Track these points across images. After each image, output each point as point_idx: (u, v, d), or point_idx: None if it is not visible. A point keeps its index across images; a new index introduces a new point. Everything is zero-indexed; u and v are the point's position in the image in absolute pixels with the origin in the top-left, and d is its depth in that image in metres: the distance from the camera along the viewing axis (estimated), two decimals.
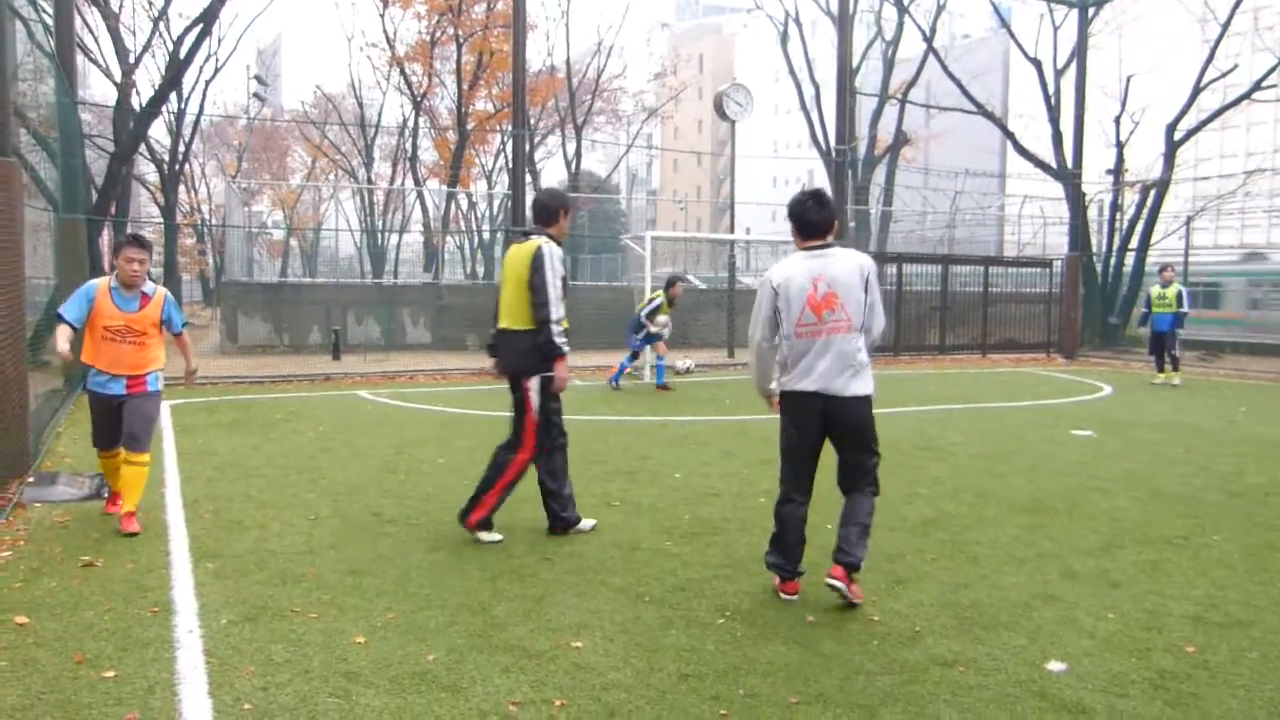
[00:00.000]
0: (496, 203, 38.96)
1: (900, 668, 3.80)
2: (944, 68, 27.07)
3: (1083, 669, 3.82)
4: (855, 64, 26.62)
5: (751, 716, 3.37)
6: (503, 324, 5.60)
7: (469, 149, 32.92)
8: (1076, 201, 23.61)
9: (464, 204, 39.83)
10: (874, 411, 4.61)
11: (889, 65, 32.32)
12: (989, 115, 27.12)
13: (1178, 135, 23.98)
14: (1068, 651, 3.99)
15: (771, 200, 35.06)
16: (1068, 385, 15.82)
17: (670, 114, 44.85)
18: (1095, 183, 25.82)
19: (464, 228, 40.08)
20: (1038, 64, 25.41)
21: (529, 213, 6.83)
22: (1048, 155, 25.19)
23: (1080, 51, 23.15)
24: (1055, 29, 25.67)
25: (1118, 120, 25.59)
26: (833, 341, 4.47)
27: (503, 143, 34.68)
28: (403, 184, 37.08)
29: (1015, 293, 23.13)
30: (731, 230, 23.97)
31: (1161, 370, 16.21)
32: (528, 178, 33.17)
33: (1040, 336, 22.80)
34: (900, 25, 31.76)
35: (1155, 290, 16.38)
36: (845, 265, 4.52)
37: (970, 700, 3.52)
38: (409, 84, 32.36)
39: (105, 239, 19.57)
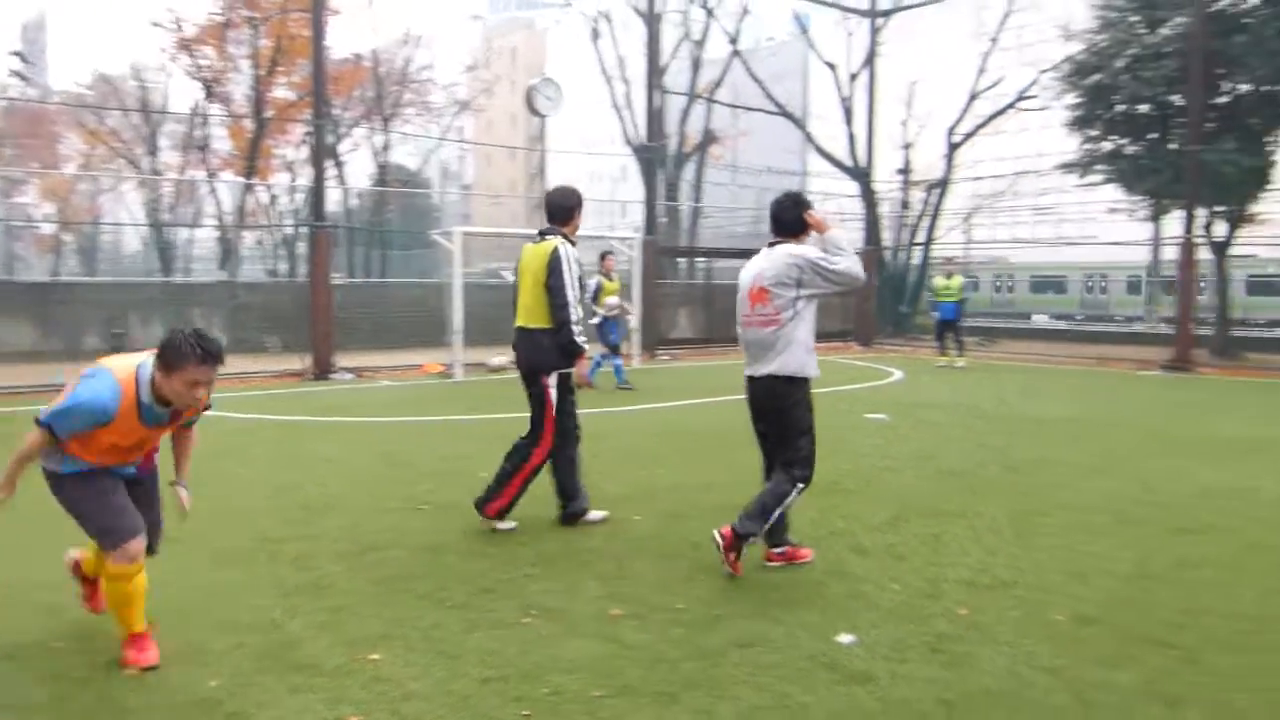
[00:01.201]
0: (300, 196, 37.34)
1: (702, 653, 3.90)
2: (748, 69, 28.03)
3: (870, 639, 4.04)
4: (664, 63, 27.17)
5: (555, 715, 3.38)
6: (520, 322, 5.75)
7: (268, 139, 31.38)
8: (869, 199, 25.03)
9: (264, 197, 37.94)
10: (789, 398, 4.86)
11: (696, 65, 33.10)
12: (789, 116, 28.28)
13: (955, 139, 25.84)
14: (856, 623, 4.21)
15: (586, 195, 35.24)
16: (864, 371, 16.70)
17: (483, 107, 44.26)
18: (886, 181, 27.37)
19: (264, 222, 38.19)
20: (833, 68, 26.67)
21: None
22: (844, 155, 26.50)
23: (871, 58, 24.51)
24: (849, 36, 27.03)
25: (905, 124, 27.29)
26: (762, 332, 4.87)
27: (305, 133, 33.25)
28: (194, 175, 35.00)
29: None
30: None
31: (945, 354, 17.46)
32: (332, 170, 31.98)
33: (840, 325, 23.99)
34: (707, 27, 32.60)
35: (940, 281, 17.59)
36: (774, 258, 4.83)
37: (767, 678, 3.65)
38: (199, 68, 30.51)
39: None
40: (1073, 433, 9.72)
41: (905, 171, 27.23)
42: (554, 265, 5.55)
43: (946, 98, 27.14)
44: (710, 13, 31.07)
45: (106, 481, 3.76)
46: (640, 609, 4.42)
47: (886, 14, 25.04)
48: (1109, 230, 25.54)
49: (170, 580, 4.87)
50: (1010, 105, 25.68)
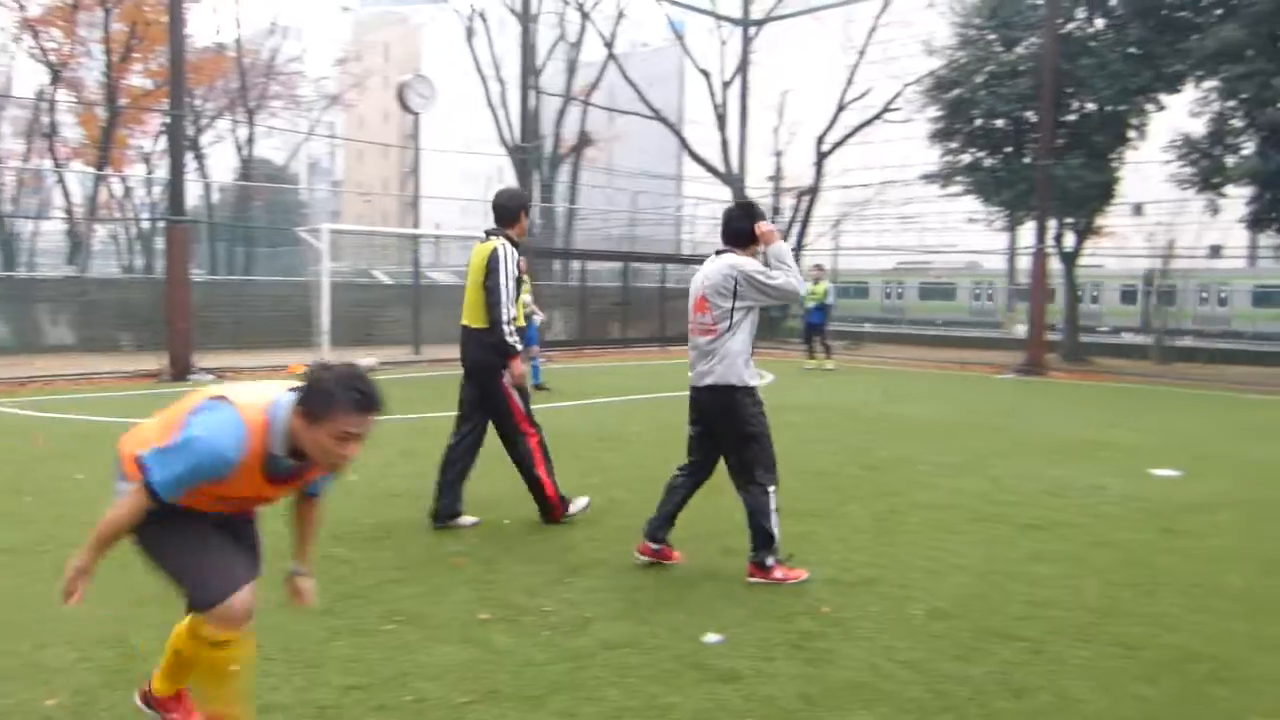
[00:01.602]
0: (158, 189, 35.60)
1: (570, 656, 3.88)
2: (623, 73, 28.18)
3: (736, 638, 4.09)
4: (539, 64, 27.04)
5: None
6: (464, 321, 5.84)
7: (122, 129, 29.80)
8: None
9: (118, 189, 36.02)
10: (733, 408, 4.86)
11: (572, 67, 33.09)
12: (664, 120, 28.58)
13: (824, 148, 26.60)
14: (724, 623, 4.26)
15: (461, 195, 34.75)
16: None
17: (354, 102, 43.19)
18: (758, 188, 27.98)
19: (118, 215, 36.25)
20: (707, 75, 27.09)
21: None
22: (718, 160, 26.94)
23: (744, 66, 25.00)
24: (723, 44, 27.50)
25: (776, 132, 27.94)
26: (700, 341, 4.92)
27: (162, 124, 31.74)
28: (39, 163, 32.93)
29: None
30: (417, 225, 23.53)
31: (813, 357, 17.94)
32: (192, 163, 30.56)
33: None
34: (583, 29, 32.63)
35: (808, 285, 18.08)
36: (715, 267, 4.87)
37: (635, 680, 3.65)
38: (45, 51, 28.73)
39: None
40: (931, 433, 10.11)
41: (777, 178, 27.88)
42: (492, 264, 5.64)
43: (816, 108, 27.96)
44: (586, 15, 31.13)
45: (201, 518, 2.88)
46: (508, 613, 4.36)
47: (758, 23, 25.60)
48: (969, 239, 26.76)
49: (9, 592, 4.57)
50: (876, 117, 26.61)
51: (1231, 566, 5.31)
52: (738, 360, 4.85)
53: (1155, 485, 7.57)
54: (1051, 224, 20.26)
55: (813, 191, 26.91)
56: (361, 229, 38.22)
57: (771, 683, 3.65)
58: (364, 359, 15.71)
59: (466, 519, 5.90)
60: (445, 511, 5.84)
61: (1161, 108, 20.64)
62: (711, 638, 4.09)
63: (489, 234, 5.84)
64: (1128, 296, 34.48)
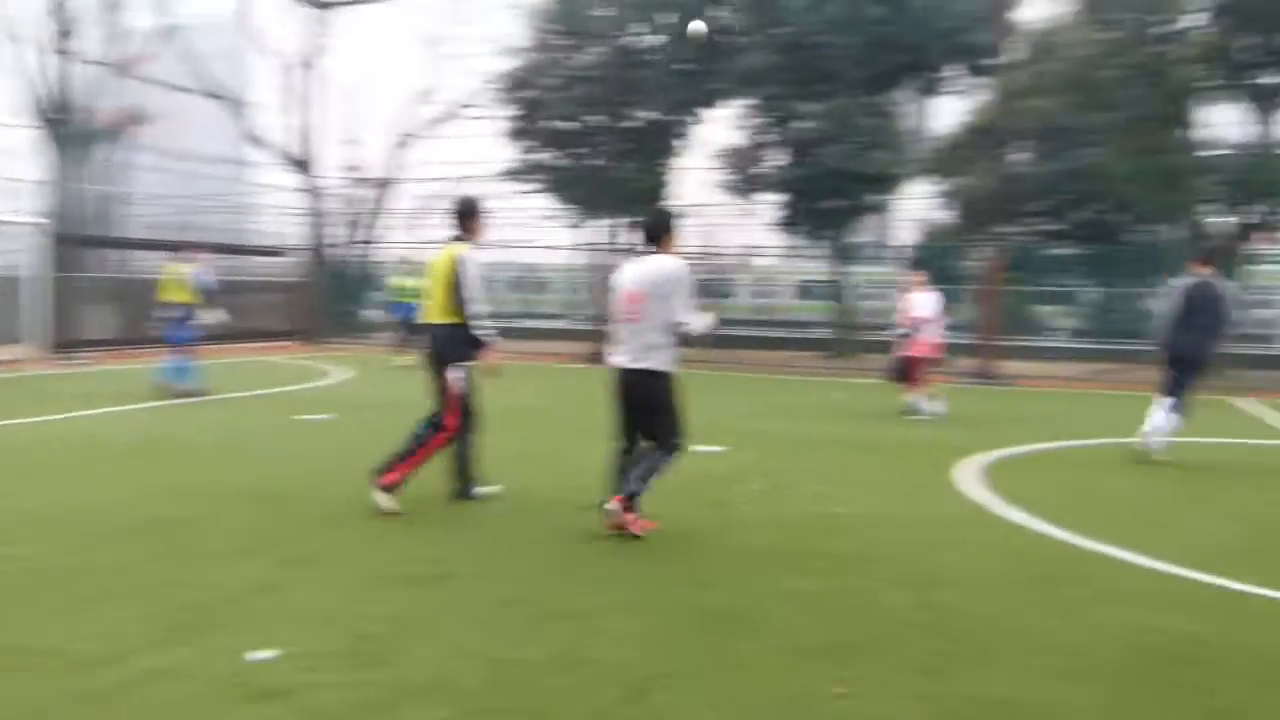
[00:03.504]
0: None
1: (89, 696, 3.39)
2: (177, 47, 25.65)
3: (291, 651, 3.84)
4: (74, 28, 23.79)
5: None
6: (432, 318, 6.37)
7: None
8: (315, 193, 24.41)
9: None
10: (656, 388, 5.63)
11: (116, 35, 29.48)
12: (227, 100, 26.49)
13: (403, 139, 26.29)
14: (277, 638, 3.97)
15: None
16: (307, 371, 16.22)
17: None
18: (334, 176, 26.93)
19: None
20: (278, 56, 25.54)
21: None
22: (290, 146, 25.49)
23: (316, 50, 23.88)
24: (294, 25, 26.02)
25: (351, 120, 27.10)
26: (632, 329, 5.61)
27: None
28: None
29: (260, 281, 23.07)
30: None
31: (402, 353, 17.49)
32: None
33: (285, 324, 23.05)
34: None
35: (398, 281, 17.65)
36: (650, 269, 5.59)
37: (170, 714, 3.29)
38: None
39: None
40: (509, 422, 10.31)
41: (352, 168, 27.03)
42: (461, 268, 6.20)
43: (393, 98, 27.49)
44: None
45: None
46: (18, 658, 3.73)
47: (331, 5, 24.58)
48: (550, 236, 27.80)
49: None
50: (453, 111, 26.75)
51: (759, 529, 5.98)
52: (665, 349, 5.66)
53: (701, 461, 8.34)
54: (616, 222, 21.67)
55: (389, 183, 26.44)
56: None
57: (327, 693, 3.47)
58: None
59: (489, 488, 6.62)
60: (467, 491, 6.57)
61: (704, 121, 22.93)
62: (260, 654, 3.80)
63: (452, 239, 6.42)
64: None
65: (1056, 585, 4.95)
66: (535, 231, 28.41)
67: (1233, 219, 20.57)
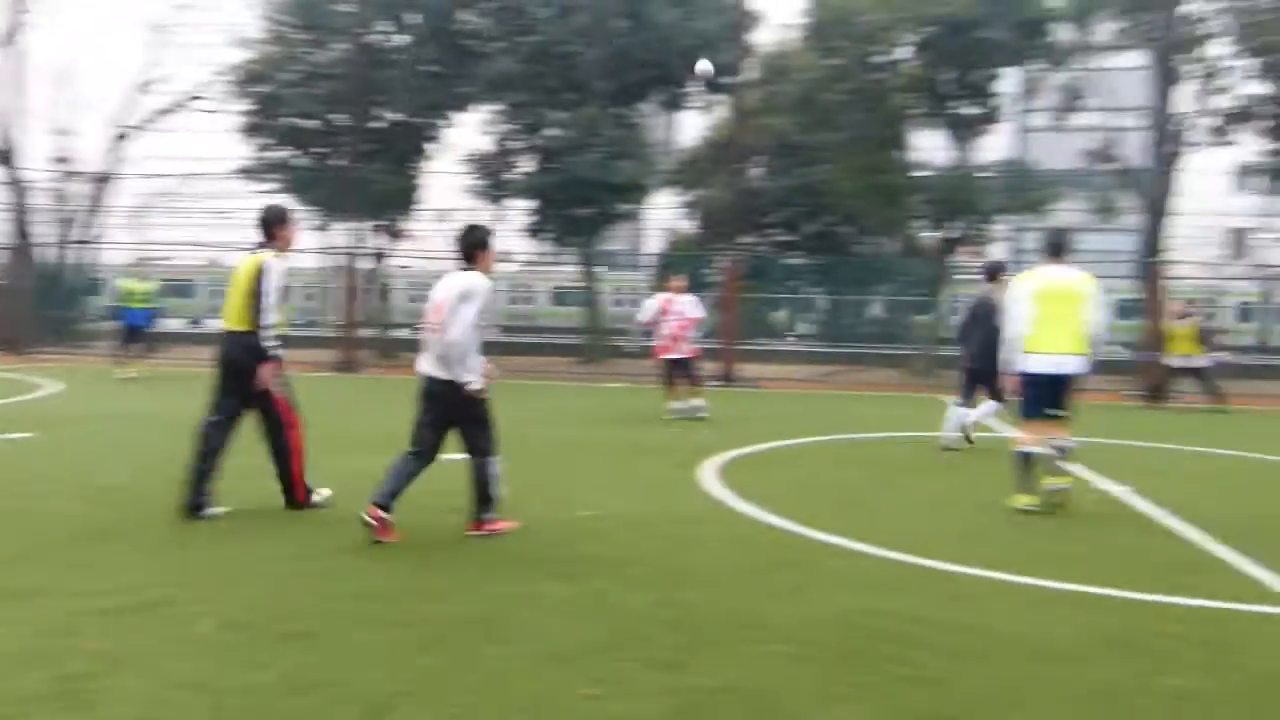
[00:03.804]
0: None
1: None
2: None
3: None
4: None
5: None
6: (228, 324, 6.27)
7: None
8: (18, 187, 21.95)
9: None
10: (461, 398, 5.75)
11: None
12: None
13: (123, 131, 24.15)
14: None
15: None
16: (12, 385, 14.56)
17: None
18: (42, 169, 24.37)
19: None
20: None
21: None
22: None
23: (18, 25, 21.52)
24: None
25: (66, 107, 24.63)
26: (434, 340, 5.78)
27: None
28: None
29: None
30: None
31: (128, 364, 16.03)
32: None
33: None
34: None
35: (127, 285, 16.15)
36: (457, 283, 5.79)
37: None
38: None
39: None
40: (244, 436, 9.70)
41: (63, 160, 24.56)
42: (261, 275, 6.14)
43: (113, 86, 25.23)
44: None
45: None
46: None
47: None
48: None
49: None
50: (180, 103, 24.93)
51: (505, 535, 5.94)
52: (469, 360, 5.76)
53: (445, 469, 8.19)
54: (361, 226, 20.99)
55: (108, 178, 24.21)
56: None
57: None
58: None
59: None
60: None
61: (454, 125, 22.68)
62: None
63: (257, 246, 6.31)
64: None
65: (787, 574, 5.26)
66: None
67: (938, 234, 22.76)
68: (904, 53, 21.17)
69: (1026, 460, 7.07)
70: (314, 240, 27.25)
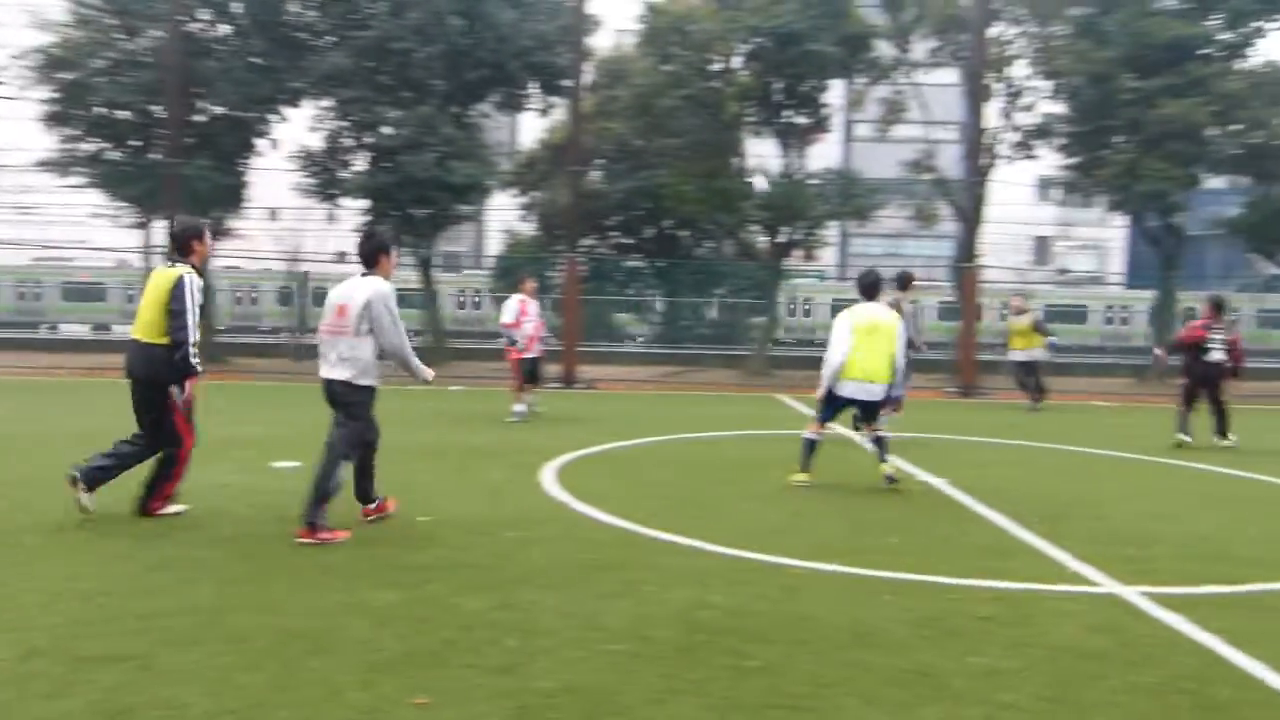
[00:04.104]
0: None
1: None
2: None
3: None
4: None
5: None
6: (138, 335, 6.27)
7: None
8: None
9: None
10: (353, 397, 6.03)
11: None
12: None
13: None
14: None
15: None
16: None
17: None
18: None
19: None
20: None
21: None
22: None
23: None
24: None
25: None
26: (334, 341, 6.03)
27: None
28: None
29: None
30: None
31: None
32: None
33: None
34: None
35: None
36: (356, 289, 6.03)
37: None
38: None
39: None
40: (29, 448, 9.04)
41: None
42: (178, 290, 6.11)
43: None
44: None
45: None
46: None
47: None
48: (106, 236, 24.75)
49: None
50: None
51: (336, 544, 5.75)
52: (364, 363, 6.07)
53: (275, 477, 7.88)
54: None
55: None
56: None
57: None
58: None
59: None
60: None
61: (285, 119, 21.79)
62: None
63: (172, 261, 6.33)
64: (285, 299, 35.49)
65: (625, 573, 5.30)
66: (85, 231, 25.24)
67: (769, 239, 23.50)
68: (738, 62, 21.76)
69: (811, 447, 8.06)
70: (134, 239, 25.67)
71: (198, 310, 6.25)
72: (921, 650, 4.22)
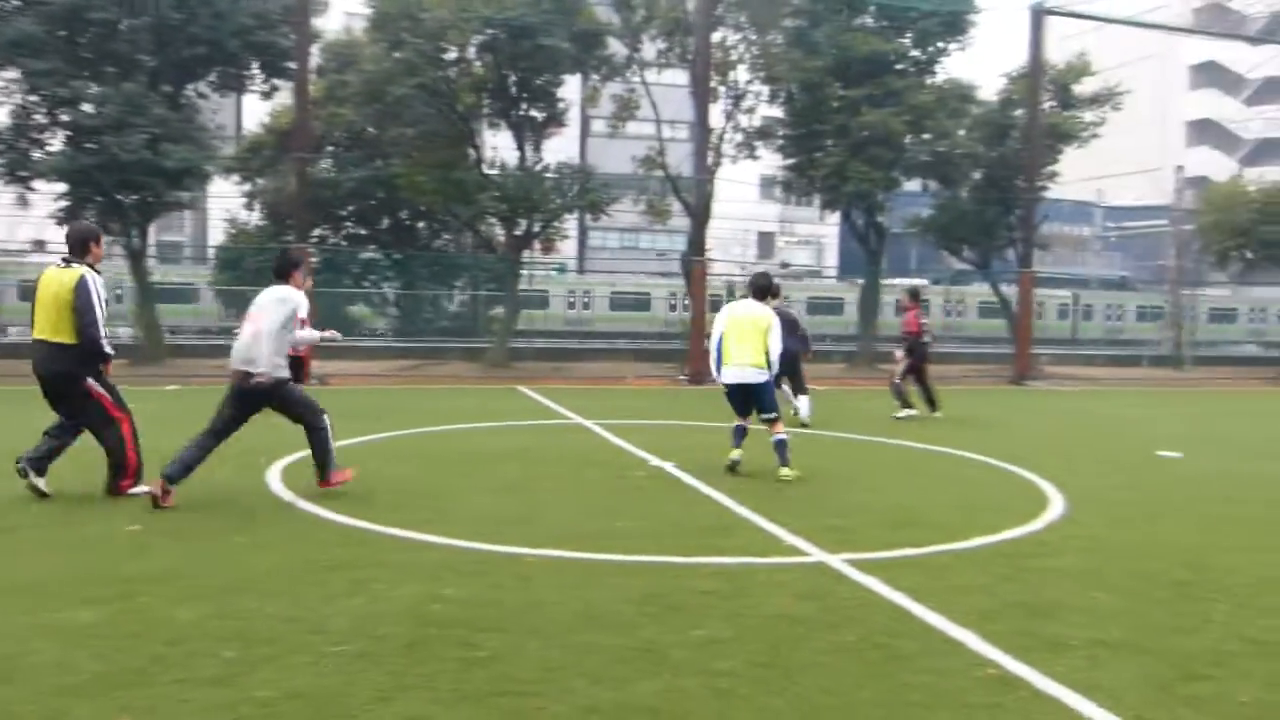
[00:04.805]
0: None
1: None
2: None
3: None
4: None
5: None
6: (45, 336, 6.63)
7: None
8: None
9: None
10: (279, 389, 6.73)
11: None
12: None
13: None
14: None
15: None
16: None
17: None
18: None
19: None
20: None
21: None
22: None
23: None
24: None
25: None
26: (247, 341, 6.83)
27: None
28: None
29: None
30: None
31: None
32: None
33: None
34: None
35: None
36: (271, 294, 6.97)
37: None
38: None
39: None
40: None
41: None
42: (81, 289, 6.53)
43: None
44: None
45: None
46: None
47: None
48: None
49: None
50: None
51: (37, 555, 5.22)
52: (278, 358, 6.87)
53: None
54: None
55: None
56: None
57: None
58: None
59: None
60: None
61: None
62: None
63: (69, 262, 6.66)
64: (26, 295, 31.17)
65: (352, 572, 5.16)
66: None
67: (507, 231, 23.52)
68: (473, 53, 21.54)
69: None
70: None
71: (104, 306, 6.69)
72: (646, 627, 4.42)
